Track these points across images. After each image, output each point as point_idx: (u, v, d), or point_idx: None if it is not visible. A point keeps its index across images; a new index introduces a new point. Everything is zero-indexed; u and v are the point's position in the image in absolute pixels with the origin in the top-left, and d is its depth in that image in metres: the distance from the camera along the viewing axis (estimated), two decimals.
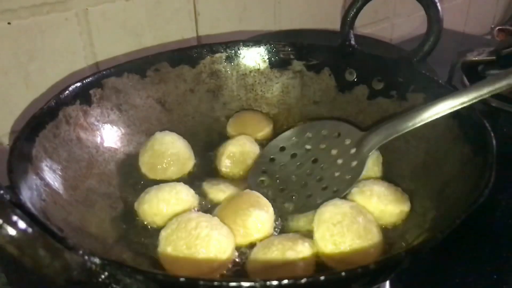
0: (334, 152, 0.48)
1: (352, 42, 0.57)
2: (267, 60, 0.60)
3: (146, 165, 0.51)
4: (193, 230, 0.39)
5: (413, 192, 0.46)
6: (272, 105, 0.61)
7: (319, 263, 0.40)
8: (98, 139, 0.50)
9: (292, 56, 0.59)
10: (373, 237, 0.40)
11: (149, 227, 0.45)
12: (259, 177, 0.49)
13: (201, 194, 0.49)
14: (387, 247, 0.41)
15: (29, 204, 0.33)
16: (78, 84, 0.49)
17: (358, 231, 0.40)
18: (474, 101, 0.41)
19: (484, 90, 0.40)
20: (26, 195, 0.34)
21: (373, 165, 0.49)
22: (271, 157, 0.51)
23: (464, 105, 0.41)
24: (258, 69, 0.60)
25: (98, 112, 0.50)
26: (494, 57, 0.69)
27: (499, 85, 0.40)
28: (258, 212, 0.43)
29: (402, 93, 0.52)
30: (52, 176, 0.41)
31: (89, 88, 0.50)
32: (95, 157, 0.48)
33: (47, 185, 0.39)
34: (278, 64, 0.59)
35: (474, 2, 1.17)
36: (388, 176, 0.50)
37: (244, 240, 0.42)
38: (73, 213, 0.40)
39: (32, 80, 0.56)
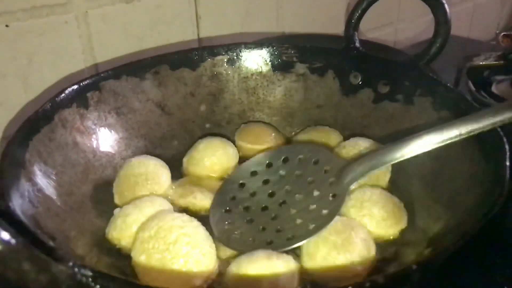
0: (310, 180, 0.44)
1: (357, 44, 0.56)
2: (270, 63, 0.58)
3: (116, 195, 0.47)
4: (172, 245, 0.36)
5: (419, 200, 0.45)
6: (274, 109, 0.60)
7: (306, 278, 0.38)
8: (95, 144, 0.48)
9: (295, 59, 0.58)
10: (356, 251, 0.38)
11: None
12: (225, 205, 0.45)
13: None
14: (380, 264, 0.39)
15: (18, 212, 0.31)
16: (75, 86, 0.48)
17: (335, 244, 0.38)
18: (471, 133, 0.37)
19: (484, 122, 0.37)
20: (17, 202, 0.33)
21: (383, 174, 0.47)
22: (241, 182, 0.46)
23: (462, 137, 0.38)
24: (260, 72, 0.59)
25: (96, 115, 0.49)
26: (501, 62, 0.68)
27: (500, 118, 0.36)
28: None
29: (408, 97, 0.51)
30: (46, 181, 0.40)
31: (86, 91, 0.49)
32: (91, 162, 0.47)
33: (40, 191, 0.38)
34: (280, 67, 0.58)
35: (479, 8, 1.15)
36: (394, 183, 0.48)
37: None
38: (67, 221, 0.39)
39: (30, 83, 0.55)
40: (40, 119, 0.43)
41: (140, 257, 0.37)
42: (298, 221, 0.41)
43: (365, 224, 0.42)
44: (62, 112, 0.46)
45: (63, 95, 0.46)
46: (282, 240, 0.39)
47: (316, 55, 0.57)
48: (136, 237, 0.39)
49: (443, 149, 0.44)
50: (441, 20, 0.49)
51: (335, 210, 0.40)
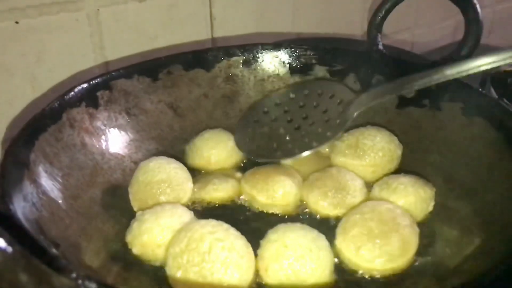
0: (324, 109, 0.49)
1: (380, 46, 0.54)
2: (287, 65, 0.57)
3: (135, 202, 0.45)
4: (207, 254, 0.35)
5: (451, 215, 0.42)
6: None
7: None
8: (104, 145, 0.47)
9: (314, 61, 0.56)
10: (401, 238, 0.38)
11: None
12: (248, 126, 0.51)
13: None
14: None
15: (20, 215, 0.29)
16: (85, 85, 0.47)
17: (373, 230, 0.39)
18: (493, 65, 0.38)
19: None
20: (18, 205, 0.31)
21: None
22: (265, 109, 0.52)
23: (482, 68, 0.39)
24: (277, 74, 0.57)
25: (105, 115, 0.48)
26: None
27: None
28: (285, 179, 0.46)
29: (436, 103, 0.49)
30: (51, 184, 0.38)
31: (96, 90, 0.48)
32: (100, 165, 0.46)
33: (45, 193, 0.37)
34: (299, 69, 0.56)
35: (498, 14, 1.13)
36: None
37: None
38: (72, 226, 0.38)
39: (39, 82, 0.54)
40: (47, 117, 0.42)
41: (177, 274, 0.35)
42: (306, 139, 0.47)
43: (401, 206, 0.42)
44: (71, 111, 0.45)
45: (72, 93, 0.45)
46: (289, 152, 0.47)
47: (336, 57, 0.55)
48: (168, 253, 0.37)
49: (474, 157, 0.43)
50: (472, 20, 0.47)
51: (336, 131, 0.46)
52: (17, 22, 0.50)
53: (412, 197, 0.43)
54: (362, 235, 0.39)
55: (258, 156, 0.48)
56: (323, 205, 0.45)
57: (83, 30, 0.55)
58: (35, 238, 0.27)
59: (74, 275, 0.21)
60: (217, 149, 0.51)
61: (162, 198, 0.44)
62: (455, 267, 0.35)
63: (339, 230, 0.41)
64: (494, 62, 0.38)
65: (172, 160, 0.47)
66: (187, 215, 0.41)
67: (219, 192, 0.47)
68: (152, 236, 0.38)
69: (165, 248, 0.38)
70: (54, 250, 0.28)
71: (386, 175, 0.47)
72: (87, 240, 0.38)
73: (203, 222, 0.38)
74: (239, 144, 0.50)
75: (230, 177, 0.49)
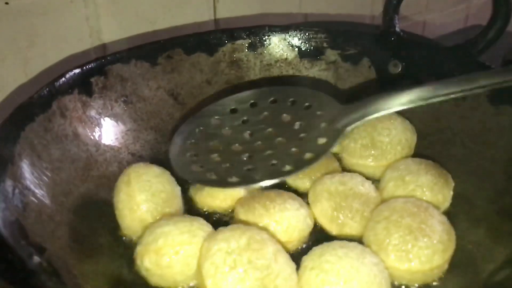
0: (298, 124, 0.40)
1: (397, 28, 0.51)
2: (296, 49, 0.54)
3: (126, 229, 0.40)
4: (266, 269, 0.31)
5: (478, 216, 0.39)
6: None
7: None
8: (99, 136, 0.46)
9: (325, 44, 0.53)
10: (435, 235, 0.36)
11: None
12: (191, 136, 0.41)
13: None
14: None
15: None
16: (77, 70, 0.45)
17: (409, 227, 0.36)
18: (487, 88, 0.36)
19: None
20: None
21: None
22: (216, 117, 0.42)
23: (480, 90, 0.36)
24: (286, 59, 0.55)
25: (100, 103, 0.46)
26: None
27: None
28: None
29: None
30: (38, 179, 0.37)
31: (90, 75, 0.46)
32: (94, 157, 0.44)
33: (30, 191, 0.35)
34: (309, 53, 0.54)
35: None
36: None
37: None
38: (62, 226, 0.36)
39: (31, 68, 0.53)
40: (35, 106, 0.40)
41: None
42: (273, 161, 0.38)
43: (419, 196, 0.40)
44: (62, 99, 0.43)
45: (63, 79, 0.44)
46: (250, 178, 0.37)
47: (349, 41, 0.53)
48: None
49: (502, 149, 0.40)
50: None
51: (320, 153, 0.37)
52: (7, 3, 0.48)
53: (428, 199, 0.40)
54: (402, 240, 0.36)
55: (202, 181, 0.37)
56: (350, 233, 0.40)
57: (78, 13, 0.53)
58: (13, 246, 0.24)
59: None
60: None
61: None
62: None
63: (369, 242, 0.38)
64: None
65: (154, 167, 0.42)
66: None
67: (216, 199, 0.42)
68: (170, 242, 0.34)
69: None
70: (35, 259, 0.25)
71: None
72: (79, 242, 0.36)
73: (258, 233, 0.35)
74: (175, 162, 0.39)
75: None
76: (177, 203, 0.41)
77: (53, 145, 0.40)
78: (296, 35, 0.54)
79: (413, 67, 0.50)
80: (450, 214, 0.40)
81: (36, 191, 0.35)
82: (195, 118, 0.43)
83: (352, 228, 0.40)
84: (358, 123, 0.38)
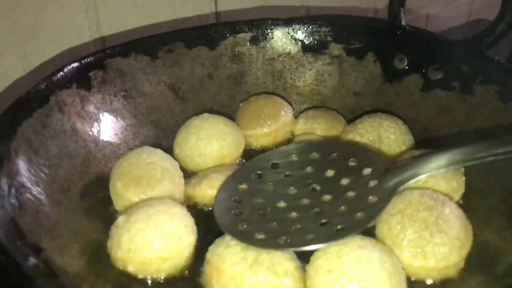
0: (344, 181, 0.38)
1: (403, 22, 0.50)
2: (300, 43, 0.54)
3: (118, 200, 0.41)
4: None
5: (489, 215, 0.39)
6: (304, 96, 0.55)
7: None
8: (98, 131, 0.45)
9: (329, 38, 0.53)
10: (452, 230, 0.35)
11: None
12: (234, 193, 0.40)
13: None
14: None
15: None
16: (76, 64, 0.45)
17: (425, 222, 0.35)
18: None
19: None
20: None
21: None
22: (258, 172, 0.41)
23: None
24: (289, 53, 0.54)
25: (99, 98, 0.46)
26: None
27: None
28: None
29: (467, 85, 0.45)
30: (35, 176, 0.36)
31: (89, 69, 0.45)
32: (93, 153, 0.44)
33: (27, 189, 0.34)
34: (312, 47, 0.54)
35: None
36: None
37: None
38: (60, 224, 0.35)
39: (30, 62, 0.52)
40: (33, 101, 0.40)
41: None
42: (322, 221, 0.36)
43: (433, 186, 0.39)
44: (60, 94, 0.42)
45: (61, 73, 0.43)
46: (299, 240, 0.35)
47: (354, 35, 0.52)
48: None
49: None
50: None
51: (373, 214, 0.36)
52: None
53: (443, 188, 0.39)
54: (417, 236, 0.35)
55: (251, 242, 0.35)
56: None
57: (77, 6, 0.53)
58: (6, 249, 0.23)
59: None
60: (211, 146, 0.45)
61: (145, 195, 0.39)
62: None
63: (382, 236, 0.37)
64: None
65: (159, 151, 0.43)
66: (186, 217, 0.37)
67: (214, 189, 0.41)
68: (154, 249, 0.34)
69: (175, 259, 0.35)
70: (31, 260, 0.24)
71: None
72: (77, 241, 0.35)
73: None
74: (221, 221, 0.37)
75: (233, 169, 0.43)
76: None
77: (50, 141, 0.40)
78: (299, 29, 0.53)
79: (419, 62, 0.49)
80: None
81: (33, 188, 0.35)
82: (237, 173, 0.42)
83: None
84: (410, 182, 0.36)
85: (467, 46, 0.46)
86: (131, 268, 0.34)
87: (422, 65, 0.49)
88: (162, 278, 0.35)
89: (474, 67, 0.45)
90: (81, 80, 0.44)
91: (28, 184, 0.34)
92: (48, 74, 0.45)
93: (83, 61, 0.45)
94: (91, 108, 0.45)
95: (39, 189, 0.35)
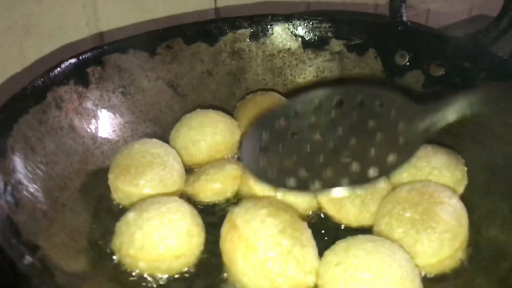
0: (373, 126, 0.37)
1: (404, 18, 0.50)
2: (300, 39, 0.54)
3: (118, 192, 0.41)
4: None
5: (490, 213, 0.38)
6: None
7: None
8: (95, 128, 0.45)
9: (330, 34, 0.53)
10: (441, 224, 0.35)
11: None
12: (260, 142, 0.39)
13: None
14: None
15: None
16: (73, 60, 0.45)
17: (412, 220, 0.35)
18: None
19: None
20: None
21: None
22: (281, 119, 0.40)
23: None
24: (289, 49, 0.54)
25: (97, 95, 0.46)
26: None
27: None
28: None
29: (469, 81, 0.45)
30: (32, 173, 0.36)
31: (87, 65, 0.45)
32: (90, 150, 0.44)
33: (24, 186, 0.34)
34: (312, 43, 0.53)
35: None
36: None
37: None
38: (57, 222, 0.35)
39: (27, 57, 0.52)
40: (29, 97, 0.39)
41: None
42: (353, 165, 0.35)
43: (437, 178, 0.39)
44: (57, 90, 0.42)
45: (58, 69, 0.43)
46: (332, 184, 0.34)
47: (355, 30, 0.52)
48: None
49: None
50: None
51: (404, 158, 0.34)
52: None
53: (448, 180, 0.39)
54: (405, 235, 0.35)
55: (283, 188, 0.36)
56: (346, 216, 0.39)
57: (75, 1, 0.53)
58: (0, 247, 0.23)
59: None
60: (203, 132, 0.45)
61: (148, 190, 0.39)
62: None
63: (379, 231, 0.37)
64: None
65: (154, 140, 0.44)
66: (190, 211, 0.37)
67: (213, 183, 0.41)
68: (168, 246, 0.34)
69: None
70: (27, 259, 0.24)
71: None
72: (74, 239, 0.35)
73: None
74: (251, 170, 0.37)
75: (231, 162, 0.44)
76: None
77: (47, 137, 0.40)
78: (300, 25, 0.53)
79: (421, 58, 0.49)
80: None
81: (30, 186, 0.35)
82: (260, 121, 0.41)
83: (349, 211, 0.39)
84: (439, 125, 0.35)
85: (469, 42, 0.45)
86: (141, 266, 0.34)
87: (423, 61, 0.49)
88: (165, 277, 0.34)
89: (476, 63, 0.45)
90: (79, 76, 0.44)
91: (25, 181, 0.34)
92: (45, 70, 0.45)
93: (80, 57, 0.45)
94: (89, 104, 0.45)
95: (35, 186, 0.35)
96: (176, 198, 0.37)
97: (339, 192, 0.33)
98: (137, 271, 0.34)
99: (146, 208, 0.35)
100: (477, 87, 0.36)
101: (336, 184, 0.34)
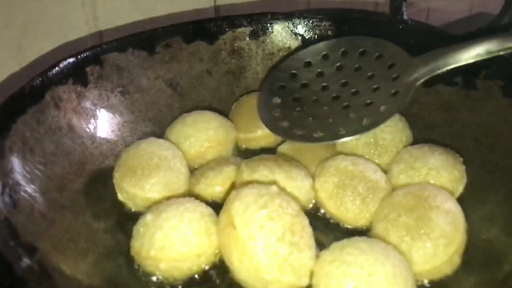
0: (370, 74, 0.42)
1: (405, 16, 0.49)
2: (300, 37, 0.53)
3: (122, 193, 0.41)
4: None
5: (491, 213, 0.38)
6: None
7: None
8: (94, 128, 0.45)
9: (330, 32, 0.52)
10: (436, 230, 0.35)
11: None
12: (273, 93, 0.44)
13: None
14: None
15: None
16: (72, 59, 0.45)
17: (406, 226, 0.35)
18: None
19: None
20: None
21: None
22: (293, 71, 0.46)
23: None
24: (289, 48, 0.53)
25: (96, 94, 0.46)
26: None
27: None
28: None
29: (470, 80, 0.45)
30: (30, 174, 0.36)
31: (85, 64, 0.45)
32: (89, 150, 0.44)
33: (22, 187, 0.34)
34: (313, 42, 0.52)
35: None
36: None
37: None
38: (56, 223, 0.35)
39: (26, 56, 0.53)
40: (28, 97, 0.40)
41: None
42: (351, 115, 0.41)
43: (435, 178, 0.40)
44: (56, 90, 0.42)
45: (57, 69, 0.43)
46: (332, 133, 0.40)
47: (355, 28, 0.51)
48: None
49: None
50: None
51: (394, 107, 0.39)
52: None
53: (446, 180, 0.39)
54: (400, 241, 0.34)
55: (291, 137, 0.41)
56: (345, 214, 0.39)
57: None
58: None
59: None
60: (196, 127, 0.45)
61: (152, 194, 0.39)
62: None
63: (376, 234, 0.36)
64: None
65: (161, 140, 0.44)
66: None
67: (213, 187, 0.41)
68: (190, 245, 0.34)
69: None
70: (25, 262, 0.24)
71: None
72: (73, 240, 0.35)
73: None
74: (265, 120, 0.43)
75: (229, 164, 0.43)
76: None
77: (46, 138, 0.40)
78: (300, 23, 0.53)
79: None
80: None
81: (28, 186, 0.35)
82: (274, 74, 0.46)
83: (349, 210, 0.39)
84: (428, 76, 0.39)
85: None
86: (162, 267, 0.34)
87: None
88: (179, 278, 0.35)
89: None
90: (78, 75, 0.44)
91: (23, 182, 0.34)
92: (44, 69, 0.45)
93: (79, 56, 0.45)
94: (87, 104, 0.45)
95: (34, 187, 0.35)
96: (192, 198, 0.38)
97: (342, 140, 0.39)
98: (158, 274, 0.34)
99: (164, 209, 0.35)
100: (463, 43, 0.38)
101: (336, 134, 0.39)
